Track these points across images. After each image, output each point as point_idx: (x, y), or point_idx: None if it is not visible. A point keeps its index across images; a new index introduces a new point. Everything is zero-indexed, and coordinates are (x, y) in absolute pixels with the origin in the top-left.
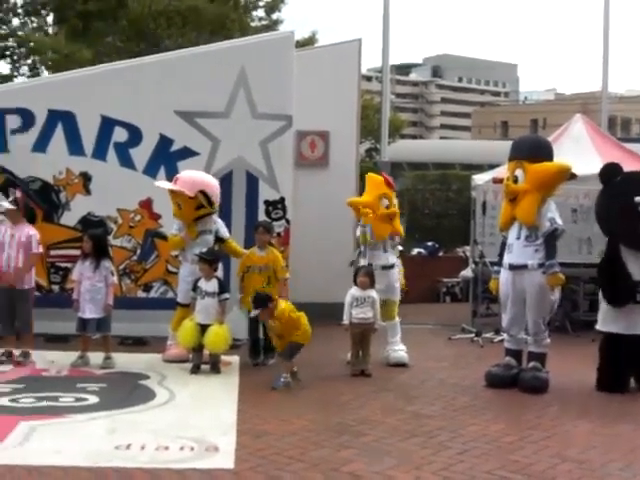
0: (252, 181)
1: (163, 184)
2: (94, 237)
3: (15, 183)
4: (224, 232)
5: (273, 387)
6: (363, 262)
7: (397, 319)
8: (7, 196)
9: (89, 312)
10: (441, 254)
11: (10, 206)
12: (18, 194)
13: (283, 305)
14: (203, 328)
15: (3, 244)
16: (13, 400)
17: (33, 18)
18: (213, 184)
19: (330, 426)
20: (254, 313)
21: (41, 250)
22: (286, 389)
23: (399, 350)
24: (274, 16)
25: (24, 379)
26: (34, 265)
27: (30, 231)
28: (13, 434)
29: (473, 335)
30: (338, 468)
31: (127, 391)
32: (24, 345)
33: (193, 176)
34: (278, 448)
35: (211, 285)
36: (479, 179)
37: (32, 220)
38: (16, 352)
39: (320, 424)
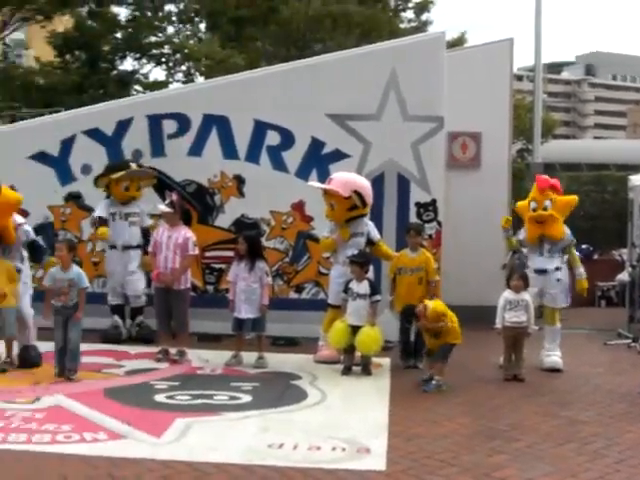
0: (403, 183)
1: (317, 184)
2: (249, 239)
3: (171, 186)
4: (375, 234)
5: (424, 390)
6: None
7: (557, 325)
8: (164, 199)
9: (245, 312)
10: (596, 257)
11: (167, 209)
12: (174, 197)
13: (432, 305)
14: (354, 329)
15: (160, 245)
16: (169, 397)
17: (187, 25)
18: (366, 185)
19: (481, 430)
20: (416, 327)
21: (197, 252)
22: (437, 392)
23: (553, 355)
24: (423, 17)
25: (180, 377)
26: (190, 266)
27: (187, 233)
28: (170, 430)
29: (630, 341)
30: (490, 473)
31: (279, 391)
32: (180, 344)
33: (347, 177)
34: (429, 451)
35: (363, 287)
36: (637, 180)
37: (188, 222)
38: (172, 350)
39: (471, 428)
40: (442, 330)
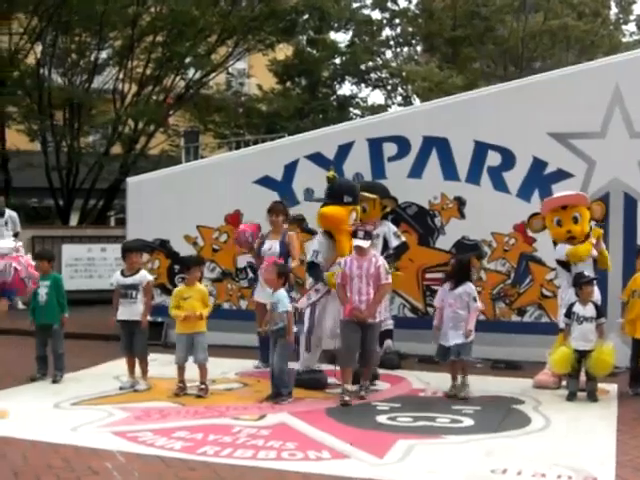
0: (630, 203)
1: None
2: (459, 261)
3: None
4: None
5: None
6: None
7: None
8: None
9: (452, 339)
10: None
11: (364, 243)
12: (369, 227)
13: None
14: (581, 354)
15: (351, 277)
16: (391, 418)
17: (404, 49)
18: None
19: None
20: None
21: (390, 280)
22: None
23: None
24: None
25: (401, 398)
26: (384, 296)
27: (378, 260)
28: (392, 451)
29: None
30: None
31: (502, 415)
32: (365, 378)
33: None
34: None
35: (589, 310)
36: None
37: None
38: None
39: None
40: None
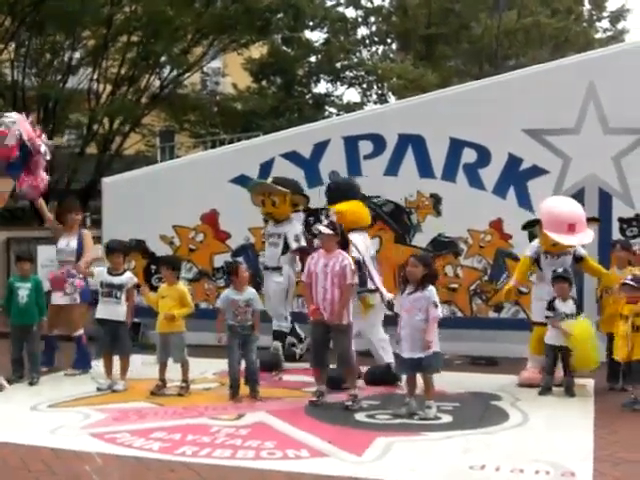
0: (605, 198)
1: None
2: (424, 260)
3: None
4: (581, 250)
5: (622, 404)
6: None
7: None
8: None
9: (406, 350)
10: None
11: (326, 230)
12: (333, 217)
13: None
14: (558, 350)
15: (316, 275)
16: (370, 416)
17: (379, 47)
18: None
19: None
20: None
21: (356, 280)
22: (633, 410)
23: None
24: (619, 26)
25: (380, 396)
26: (350, 298)
27: (344, 260)
28: (371, 449)
29: None
30: None
31: (480, 411)
32: (350, 382)
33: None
34: (638, 478)
35: (568, 306)
36: None
37: (345, 247)
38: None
39: None
40: None
